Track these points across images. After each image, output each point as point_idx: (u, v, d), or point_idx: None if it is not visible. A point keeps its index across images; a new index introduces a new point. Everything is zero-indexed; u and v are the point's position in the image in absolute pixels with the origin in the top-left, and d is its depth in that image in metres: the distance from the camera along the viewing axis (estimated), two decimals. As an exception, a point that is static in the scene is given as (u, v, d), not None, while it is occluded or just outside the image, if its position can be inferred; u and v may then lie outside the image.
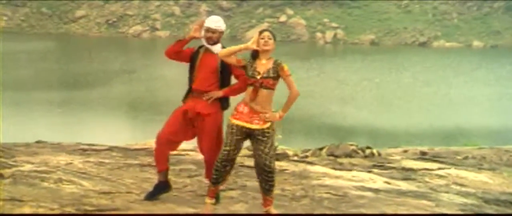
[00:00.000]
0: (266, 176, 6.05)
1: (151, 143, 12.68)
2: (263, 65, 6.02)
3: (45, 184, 6.48)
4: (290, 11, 65.97)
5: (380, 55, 54.68)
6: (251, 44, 6.01)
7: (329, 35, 64.02)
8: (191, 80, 6.46)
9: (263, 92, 5.93)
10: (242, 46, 6.05)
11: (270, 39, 6.08)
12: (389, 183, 7.83)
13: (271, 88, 5.97)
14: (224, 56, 6.05)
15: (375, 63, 49.51)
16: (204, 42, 6.44)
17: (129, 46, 61.07)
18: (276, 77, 5.99)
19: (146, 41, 63.63)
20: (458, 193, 7.92)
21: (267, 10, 66.20)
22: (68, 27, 66.96)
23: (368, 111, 30.57)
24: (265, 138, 5.97)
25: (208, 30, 6.40)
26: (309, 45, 61.67)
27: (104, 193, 6.32)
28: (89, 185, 6.59)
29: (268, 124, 5.97)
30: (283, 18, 65.49)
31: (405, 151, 13.82)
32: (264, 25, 64.26)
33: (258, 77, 5.93)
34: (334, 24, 64.80)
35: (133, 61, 47.35)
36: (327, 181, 7.47)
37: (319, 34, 64.28)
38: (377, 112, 30.64)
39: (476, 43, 63.39)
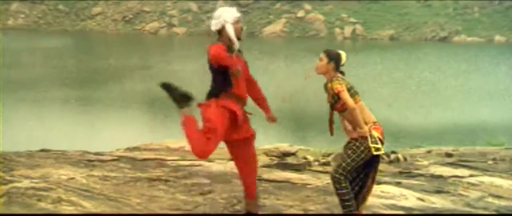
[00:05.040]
0: (334, 187, 5.70)
1: (168, 143, 12.13)
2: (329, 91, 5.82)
3: (42, 204, 5.88)
4: (308, 6, 65.19)
5: (399, 50, 53.93)
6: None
7: (347, 30, 63.20)
8: (226, 82, 5.54)
9: (342, 115, 5.79)
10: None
11: (320, 60, 5.75)
12: (422, 200, 7.15)
13: (342, 109, 5.73)
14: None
15: (395, 59, 48.80)
16: (234, 38, 5.54)
17: (146, 43, 60.79)
18: (337, 98, 5.68)
19: (163, 38, 63.28)
20: (498, 210, 7.26)
21: (284, 5, 65.48)
22: (84, 24, 66.84)
23: (386, 107, 30.02)
24: (346, 149, 5.73)
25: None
26: (327, 41, 60.89)
27: (105, 216, 5.71)
28: (90, 206, 5.97)
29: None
30: (301, 14, 64.72)
31: (429, 152, 13.30)
32: (282, 21, 63.78)
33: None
34: (352, 19, 63.96)
35: (150, 58, 47.02)
36: (354, 199, 6.80)
37: (337, 30, 63.48)
38: (396, 108, 30.13)
39: (498, 38, 62.22)
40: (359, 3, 65.52)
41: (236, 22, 5.54)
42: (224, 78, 5.50)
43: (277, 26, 63.57)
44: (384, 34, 62.81)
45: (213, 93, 5.54)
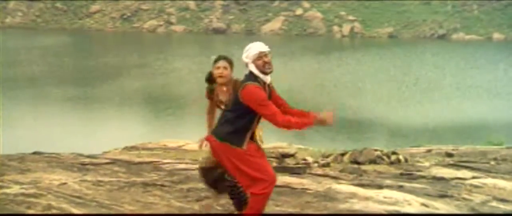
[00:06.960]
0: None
1: (165, 142, 11.89)
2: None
3: (31, 211, 5.65)
4: (306, 4, 64.98)
5: (398, 48, 53.78)
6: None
7: (346, 28, 62.99)
8: (252, 122, 5.55)
9: None
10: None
11: (225, 69, 6.00)
12: (426, 206, 6.91)
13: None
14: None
15: (393, 57, 48.66)
16: (260, 74, 5.54)
17: (144, 41, 60.61)
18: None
19: (161, 36, 63.10)
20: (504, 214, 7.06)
21: (283, 3, 65.25)
22: (82, 22, 66.60)
23: (385, 105, 29.98)
24: None
25: (266, 55, 5.57)
26: (326, 39, 60.75)
27: (97, 225, 5.48)
28: (81, 214, 5.73)
29: None
30: (299, 11, 64.51)
31: (429, 151, 13.09)
32: (280, 19, 63.54)
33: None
34: (351, 17, 63.74)
35: (148, 56, 46.85)
36: (356, 205, 6.54)
37: (336, 28, 63.26)
38: (395, 106, 30.07)
39: (496, 36, 62.04)
40: (357, 1, 65.30)
41: (257, 59, 5.55)
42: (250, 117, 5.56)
43: (275, 24, 63.35)
44: (383, 32, 62.61)
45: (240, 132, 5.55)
